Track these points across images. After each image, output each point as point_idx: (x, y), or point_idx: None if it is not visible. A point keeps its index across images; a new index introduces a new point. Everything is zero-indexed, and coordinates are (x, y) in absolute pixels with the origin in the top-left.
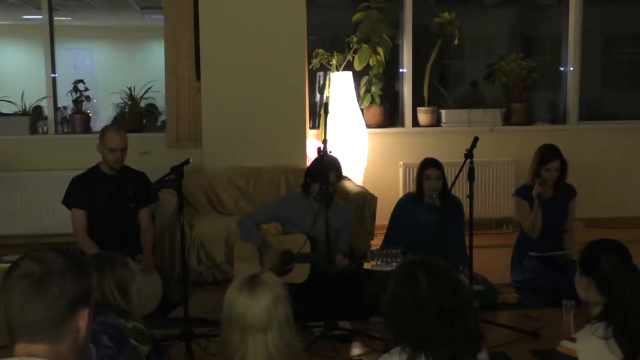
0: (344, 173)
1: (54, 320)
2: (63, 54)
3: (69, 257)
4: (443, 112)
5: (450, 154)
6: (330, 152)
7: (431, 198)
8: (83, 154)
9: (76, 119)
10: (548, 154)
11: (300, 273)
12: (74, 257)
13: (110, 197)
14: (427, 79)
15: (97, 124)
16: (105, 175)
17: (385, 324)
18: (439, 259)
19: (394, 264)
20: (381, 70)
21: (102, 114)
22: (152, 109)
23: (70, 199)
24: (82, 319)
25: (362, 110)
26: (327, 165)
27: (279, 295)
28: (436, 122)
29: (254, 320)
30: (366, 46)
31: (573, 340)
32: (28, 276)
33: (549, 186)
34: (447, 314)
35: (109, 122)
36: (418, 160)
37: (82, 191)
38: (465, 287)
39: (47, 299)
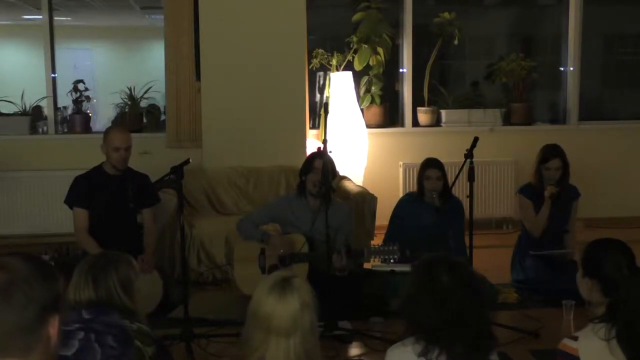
0: (344, 173)
1: (23, 331)
2: (63, 54)
3: (35, 262)
4: (443, 112)
5: (450, 154)
6: (330, 152)
7: (431, 198)
8: (83, 154)
9: (76, 119)
10: (549, 153)
11: (299, 273)
12: (40, 262)
13: (111, 197)
14: (427, 79)
15: (97, 124)
16: (108, 175)
17: (403, 315)
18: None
19: (392, 260)
20: (381, 70)
21: (102, 114)
22: (153, 109)
23: (72, 199)
24: (53, 327)
25: (362, 110)
26: (326, 164)
27: (307, 302)
28: (436, 122)
29: (279, 324)
30: (366, 46)
31: (575, 338)
32: None
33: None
34: (464, 311)
35: (109, 122)
36: (418, 160)
37: (84, 191)
38: (484, 286)
39: (15, 308)
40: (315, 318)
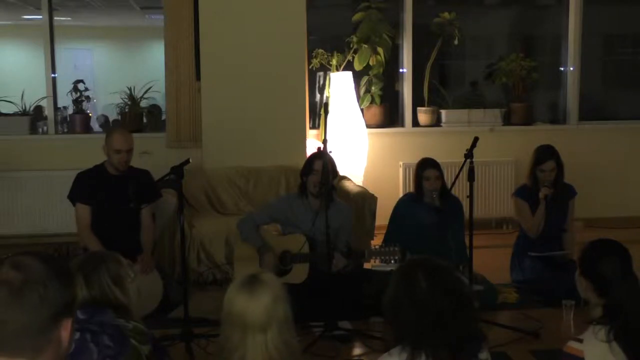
0: (344, 173)
1: (33, 332)
2: (63, 54)
3: (52, 264)
4: (443, 112)
5: (450, 154)
6: (330, 152)
7: (431, 198)
8: (83, 154)
9: (76, 119)
10: (543, 154)
11: (299, 273)
12: (57, 264)
13: (112, 195)
14: (427, 79)
15: (97, 124)
16: (109, 175)
17: (386, 323)
18: (440, 259)
19: (392, 262)
20: (381, 70)
21: (102, 114)
22: (153, 109)
23: (75, 194)
24: (65, 330)
25: (362, 110)
26: (326, 164)
27: (278, 295)
28: (436, 122)
29: (253, 320)
30: (366, 46)
31: (580, 340)
32: (7, 284)
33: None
34: (446, 314)
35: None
36: (418, 160)
37: (87, 187)
38: (465, 287)
39: (28, 309)
40: (288, 309)
